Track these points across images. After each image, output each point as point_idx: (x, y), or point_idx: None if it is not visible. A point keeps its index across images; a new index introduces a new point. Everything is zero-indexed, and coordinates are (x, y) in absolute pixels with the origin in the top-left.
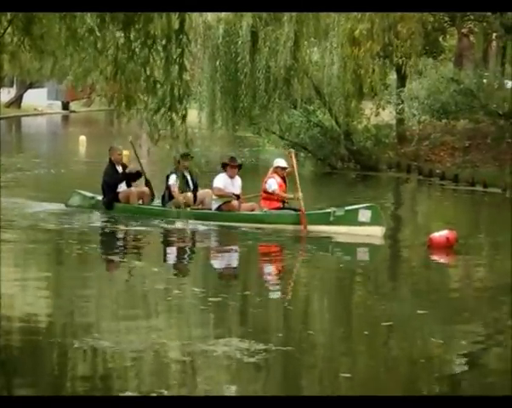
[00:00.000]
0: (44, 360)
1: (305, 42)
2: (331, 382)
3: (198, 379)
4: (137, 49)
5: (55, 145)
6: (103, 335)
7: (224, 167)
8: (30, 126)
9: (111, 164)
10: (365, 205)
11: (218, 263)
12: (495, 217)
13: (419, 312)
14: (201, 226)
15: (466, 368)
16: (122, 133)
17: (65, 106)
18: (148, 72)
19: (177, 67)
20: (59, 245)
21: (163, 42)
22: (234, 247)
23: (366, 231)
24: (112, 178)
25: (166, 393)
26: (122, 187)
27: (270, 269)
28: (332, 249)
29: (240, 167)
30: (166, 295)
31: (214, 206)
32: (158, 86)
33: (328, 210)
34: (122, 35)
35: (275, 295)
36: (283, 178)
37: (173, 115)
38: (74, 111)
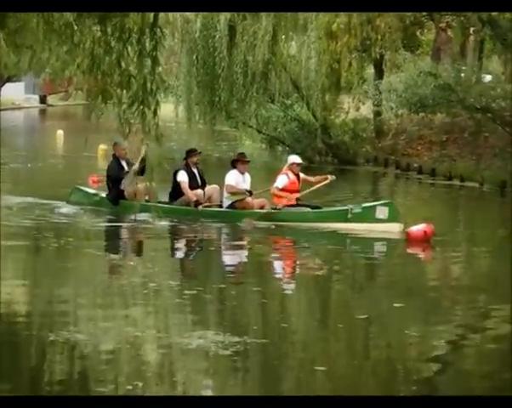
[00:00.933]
0: (21, 354)
1: (283, 36)
2: (306, 375)
3: (175, 371)
4: (113, 43)
5: (32, 139)
6: (80, 328)
7: (234, 163)
8: (7, 120)
9: (116, 160)
10: (382, 202)
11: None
12: (472, 211)
13: (396, 305)
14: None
15: (444, 360)
16: (99, 128)
17: (43, 100)
18: (123, 66)
19: (150, 61)
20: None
21: (137, 35)
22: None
23: (384, 228)
24: (118, 174)
25: (141, 384)
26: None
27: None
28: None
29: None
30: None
31: (226, 203)
32: (133, 80)
33: (345, 207)
34: (99, 28)
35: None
36: (297, 175)
37: (145, 109)
38: (51, 105)
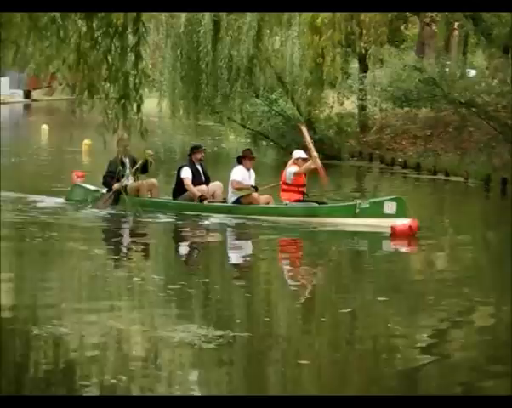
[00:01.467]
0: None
1: (268, 31)
2: (290, 368)
3: (159, 364)
4: (99, 38)
5: (17, 134)
6: (64, 322)
7: (240, 159)
8: None
9: (119, 156)
10: (390, 197)
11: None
12: (457, 205)
13: (380, 299)
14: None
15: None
16: (83, 122)
17: (27, 95)
18: (110, 61)
19: (134, 56)
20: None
21: (121, 30)
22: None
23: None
24: (119, 171)
25: (124, 378)
26: (130, 180)
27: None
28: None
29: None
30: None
31: (232, 199)
32: (119, 75)
33: (353, 202)
34: (85, 23)
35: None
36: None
37: (129, 104)
38: (36, 100)
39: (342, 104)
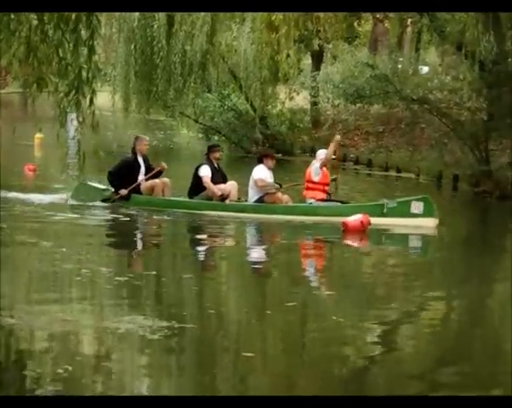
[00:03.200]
0: None
1: (222, 27)
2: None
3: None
4: (50, 31)
5: None
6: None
7: (261, 158)
8: None
9: (134, 155)
10: (417, 197)
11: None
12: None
13: (328, 293)
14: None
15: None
16: (35, 116)
17: None
18: (61, 55)
19: (86, 49)
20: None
21: (73, 24)
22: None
23: (419, 223)
24: (134, 171)
25: (71, 369)
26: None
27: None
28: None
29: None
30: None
31: (254, 198)
32: (70, 68)
33: (381, 202)
34: (36, 17)
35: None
36: (326, 169)
37: (81, 97)
38: None
39: (291, 98)
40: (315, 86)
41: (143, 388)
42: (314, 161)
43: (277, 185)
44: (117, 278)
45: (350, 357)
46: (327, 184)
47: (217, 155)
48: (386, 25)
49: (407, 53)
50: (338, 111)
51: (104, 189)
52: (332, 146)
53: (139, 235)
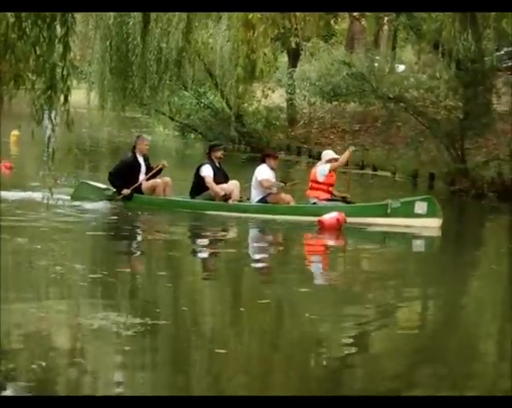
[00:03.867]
0: None
1: (198, 24)
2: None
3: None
4: (27, 29)
5: None
6: None
7: (264, 158)
8: None
9: (134, 154)
10: (421, 197)
11: None
12: (383, 199)
13: (302, 290)
14: None
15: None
16: (12, 113)
17: None
18: (38, 52)
19: (61, 47)
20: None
21: (49, 20)
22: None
23: (423, 223)
24: (134, 171)
25: (44, 364)
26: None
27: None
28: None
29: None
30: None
31: (257, 198)
32: (47, 66)
33: (384, 202)
34: (13, 14)
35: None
36: (334, 170)
37: (57, 95)
38: None
39: (267, 96)
40: (292, 83)
41: (116, 384)
42: (320, 162)
43: (282, 184)
44: (92, 275)
45: (325, 355)
46: (332, 185)
47: (218, 154)
48: (363, 23)
49: (384, 51)
50: (315, 109)
51: (105, 189)
52: (346, 155)
53: (121, 233)
